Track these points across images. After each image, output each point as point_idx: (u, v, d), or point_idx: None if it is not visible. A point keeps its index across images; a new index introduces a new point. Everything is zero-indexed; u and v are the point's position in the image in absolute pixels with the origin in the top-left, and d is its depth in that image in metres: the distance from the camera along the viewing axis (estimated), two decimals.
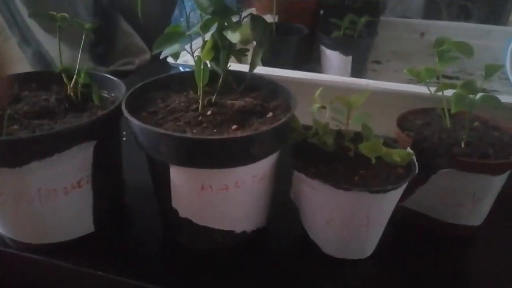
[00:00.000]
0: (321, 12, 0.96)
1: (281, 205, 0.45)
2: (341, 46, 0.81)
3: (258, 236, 0.44)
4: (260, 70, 0.62)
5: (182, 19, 0.99)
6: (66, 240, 0.42)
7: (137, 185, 0.51)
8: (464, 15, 1.08)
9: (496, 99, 0.38)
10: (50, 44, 0.94)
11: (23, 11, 0.92)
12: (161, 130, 0.35)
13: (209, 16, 0.36)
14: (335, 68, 0.84)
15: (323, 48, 0.85)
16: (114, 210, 0.47)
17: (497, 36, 0.95)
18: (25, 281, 0.46)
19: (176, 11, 0.99)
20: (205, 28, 0.36)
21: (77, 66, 0.45)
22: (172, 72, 0.86)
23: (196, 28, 0.38)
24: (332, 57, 0.83)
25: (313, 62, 0.94)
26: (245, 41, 0.35)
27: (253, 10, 0.99)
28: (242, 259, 0.42)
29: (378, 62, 1.01)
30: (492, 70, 0.38)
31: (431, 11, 1.09)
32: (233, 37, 0.35)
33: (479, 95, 0.38)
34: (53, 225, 0.41)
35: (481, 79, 0.40)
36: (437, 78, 0.96)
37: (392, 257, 0.43)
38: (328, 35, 0.83)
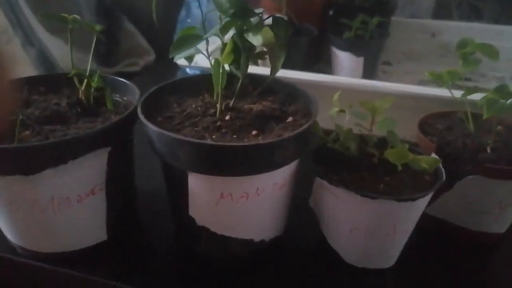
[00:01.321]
0: (330, 12, 0.94)
1: (299, 213, 0.44)
2: (353, 47, 0.80)
3: (276, 245, 0.43)
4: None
5: (189, 20, 0.97)
6: (79, 249, 0.41)
7: (148, 192, 0.50)
8: (474, 15, 1.06)
9: None
10: (54, 45, 0.93)
11: (27, 12, 0.91)
12: (180, 136, 0.33)
13: (229, 18, 0.34)
14: (346, 69, 0.82)
15: (333, 49, 0.83)
16: (127, 218, 0.46)
17: (510, 37, 0.94)
18: None
19: (183, 12, 0.98)
20: (224, 30, 0.35)
21: (88, 69, 0.44)
22: (179, 73, 0.85)
23: (214, 31, 0.36)
24: (343, 58, 0.81)
25: (322, 63, 0.93)
26: (268, 44, 0.33)
27: (260, 10, 0.98)
28: (260, 268, 0.41)
29: (388, 64, 1.00)
30: None
31: (442, 11, 1.07)
32: (255, 39, 0.33)
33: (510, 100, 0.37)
34: (65, 234, 0.39)
35: (495, 80, 0.39)
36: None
37: (415, 266, 0.42)
38: (338, 35, 0.81)
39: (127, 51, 1.03)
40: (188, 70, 0.78)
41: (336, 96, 0.42)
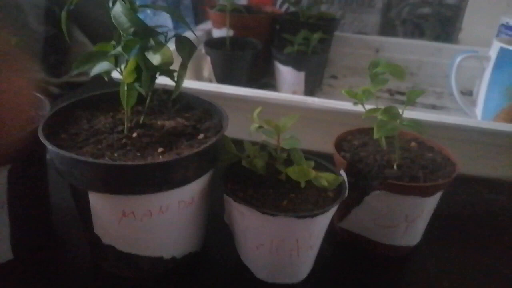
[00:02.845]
0: (277, 27, 0.96)
1: (217, 228, 0.44)
2: (294, 62, 0.82)
3: (190, 261, 0.43)
4: (198, 86, 0.61)
5: None
6: None
7: (65, 207, 0.49)
8: (418, 32, 1.11)
9: (419, 123, 0.38)
10: None
11: None
12: (74, 156, 0.33)
13: (130, 37, 0.34)
14: (288, 84, 0.84)
15: (276, 63, 0.85)
16: (38, 235, 0.45)
17: (448, 54, 0.98)
18: None
19: None
20: (127, 49, 0.35)
21: None
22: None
23: (119, 48, 0.36)
24: (285, 72, 0.83)
25: (268, 77, 0.94)
26: (166, 63, 0.33)
27: (209, 24, 0.99)
28: (173, 285, 0.41)
29: (334, 77, 1.02)
30: (414, 95, 0.38)
31: (387, 29, 1.11)
32: (154, 58, 0.34)
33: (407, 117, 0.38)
34: None
35: (434, 95, 0.41)
36: (391, 94, 0.97)
37: (328, 278, 0.43)
38: (281, 50, 0.83)
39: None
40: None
41: (255, 112, 0.43)
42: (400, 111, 0.40)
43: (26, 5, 0.95)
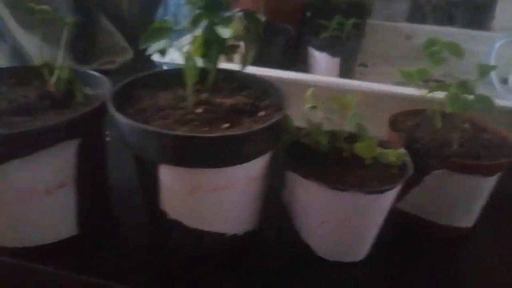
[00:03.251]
0: (308, 13, 0.95)
1: (272, 208, 0.44)
2: (329, 47, 0.81)
3: (249, 239, 0.43)
4: (251, 69, 0.61)
5: (167, 18, 0.97)
6: (48, 243, 0.40)
7: (123, 187, 0.49)
8: (448, 19, 1.09)
9: (489, 100, 0.37)
10: (28, 42, 0.91)
11: (1, 7, 0.89)
12: (150, 127, 0.33)
13: (199, 11, 0.34)
14: (322, 70, 0.84)
15: (310, 49, 0.84)
16: (99, 212, 0.45)
17: (481, 41, 0.97)
18: (3, 286, 0.43)
19: (161, 10, 0.98)
20: (194, 23, 0.35)
21: (59, 61, 0.43)
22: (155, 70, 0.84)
23: (185, 23, 0.36)
24: (320, 58, 0.83)
25: (299, 63, 0.93)
26: (237, 37, 0.33)
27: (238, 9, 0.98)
28: (232, 262, 0.41)
29: (364, 65, 1.02)
30: (484, 70, 0.38)
31: (416, 15, 1.10)
32: (225, 32, 0.34)
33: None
34: (33, 227, 0.38)
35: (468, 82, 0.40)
36: (425, 81, 0.97)
37: (386, 259, 0.43)
38: (315, 36, 0.82)
39: (104, 49, 1.02)
40: (165, 67, 0.78)
41: (308, 93, 0.42)
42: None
43: None
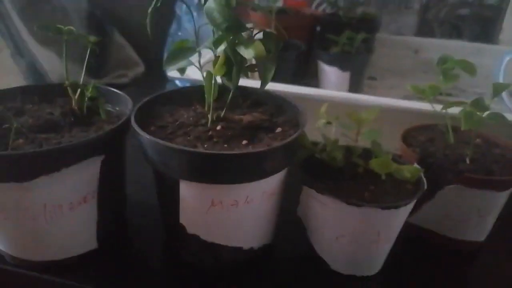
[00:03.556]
0: (318, 28, 0.97)
1: (287, 222, 0.45)
2: (339, 62, 0.82)
3: (265, 253, 0.44)
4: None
5: (179, 33, 0.99)
6: (69, 257, 0.41)
7: (139, 201, 0.51)
8: (455, 33, 1.11)
9: (502, 117, 0.38)
10: (45, 57, 0.93)
11: (18, 23, 0.92)
12: (173, 145, 0.34)
13: (222, 32, 0.36)
14: (333, 84, 0.85)
15: (321, 63, 0.86)
16: (117, 226, 0.46)
17: (489, 55, 0.98)
18: None
19: (174, 26, 1.00)
20: (218, 43, 0.36)
21: (81, 79, 0.45)
22: (168, 85, 0.86)
23: (207, 44, 0.38)
24: (330, 72, 0.84)
25: (309, 78, 0.95)
26: (259, 57, 0.35)
27: (250, 25, 1.00)
28: (248, 275, 0.42)
29: (373, 78, 1.03)
30: (499, 88, 0.39)
31: (424, 29, 1.11)
32: (247, 53, 0.35)
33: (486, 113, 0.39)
34: (56, 242, 0.40)
35: (475, 96, 0.41)
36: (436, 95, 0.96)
37: (399, 273, 0.43)
38: (325, 50, 0.84)
39: (116, 63, 1.04)
40: (178, 82, 0.79)
41: (323, 108, 0.44)
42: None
43: (70, 9, 0.99)
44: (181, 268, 0.42)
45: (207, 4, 0.36)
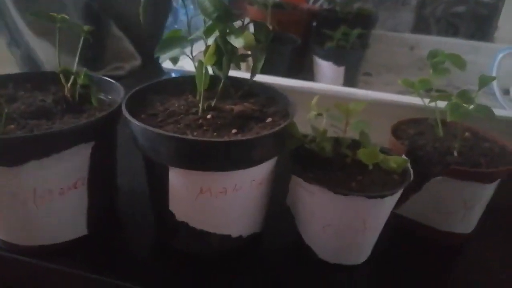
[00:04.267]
0: (314, 23, 0.97)
1: (276, 212, 0.45)
2: (334, 57, 0.83)
3: (254, 241, 0.44)
4: (258, 77, 0.62)
5: (176, 26, 0.99)
6: (59, 243, 0.41)
7: (130, 189, 0.51)
8: (452, 31, 1.11)
9: (489, 109, 0.39)
10: (40, 47, 0.93)
11: (14, 13, 0.92)
12: (163, 132, 0.35)
13: (213, 21, 0.36)
14: (327, 78, 0.85)
15: (316, 58, 0.86)
16: (108, 213, 0.47)
17: (484, 52, 0.98)
18: (15, 284, 0.45)
19: (170, 19, 1.00)
20: (208, 33, 0.36)
21: (75, 67, 0.45)
22: (165, 77, 0.86)
23: (199, 33, 0.38)
24: (325, 67, 0.84)
25: (305, 72, 0.95)
26: (248, 46, 0.35)
27: (246, 19, 1.01)
28: (237, 263, 0.42)
29: (369, 74, 1.03)
30: (485, 81, 0.39)
31: (421, 26, 1.12)
32: (237, 42, 0.35)
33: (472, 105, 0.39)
34: (46, 227, 0.40)
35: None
36: (428, 91, 0.98)
37: (386, 263, 0.44)
38: (321, 45, 0.84)
39: (113, 55, 1.04)
40: (173, 74, 0.80)
41: (314, 100, 0.44)
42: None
43: (67, 0, 0.98)
44: (171, 255, 0.43)
45: None
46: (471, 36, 1.09)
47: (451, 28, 1.11)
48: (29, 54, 0.96)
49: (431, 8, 1.10)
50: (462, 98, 0.38)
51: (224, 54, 0.37)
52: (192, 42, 0.42)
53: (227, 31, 0.36)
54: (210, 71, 0.41)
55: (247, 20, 0.38)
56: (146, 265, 0.42)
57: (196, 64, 0.40)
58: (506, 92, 0.90)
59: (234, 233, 0.41)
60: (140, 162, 0.41)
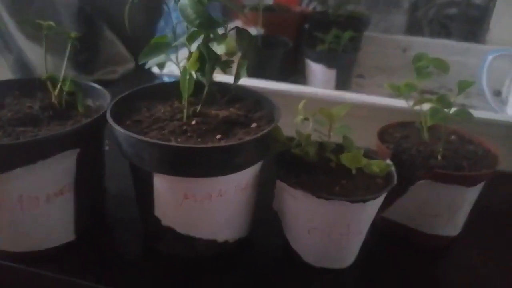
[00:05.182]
0: (306, 26, 0.98)
1: (263, 216, 0.46)
2: (325, 60, 0.83)
3: (240, 246, 0.45)
4: (245, 81, 0.63)
5: (167, 30, 0.99)
6: (46, 248, 0.42)
7: (118, 194, 0.52)
8: (444, 32, 1.12)
9: (468, 113, 0.39)
10: (33, 52, 0.94)
11: (6, 18, 0.92)
12: (146, 138, 0.35)
13: (195, 28, 0.36)
14: (319, 81, 0.86)
15: (308, 61, 0.86)
16: (95, 219, 0.47)
17: (475, 54, 0.99)
18: None
19: (162, 23, 1.00)
20: (191, 39, 0.37)
21: (62, 74, 0.45)
22: (156, 82, 0.87)
23: (182, 39, 0.38)
24: (316, 70, 0.85)
25: (297, 75, 0.96)
26: (230, 53, 0.35)
27: (239, 23, 1.01)
28: (223, 268, 0.42)
29: (361, 76, 1.04)
30: (464, 85, 0.40)
31: (413, 28, 1.12)
32: (219, 49, 0.36)
33: (453, 109, 0.40)
34: (33, 233, 0.40)
35: (462, 95, 0.42)
36: (422, 93, 0.98)
37: (371, 266, 0.44)
38: (313, 48, 0.84)
39: (106, 59, 1.04)
40: (166, 78, 0.80)
41: (301, 105, 0.44)
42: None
43: (60, 4, 0.99)
44: (158, 260, 0.43)
45: (181, 1, 0.36)
46: (463, 38, 1.09)
47: (443, 30, 1.12)
48: (22, 59, 0.96)
49: (424, 10, 1.10)
50: (441, 102, 0.38)
51: (206, 60, 0.37)
52: (177, 48, 0.42)
53: (210, 37, 0.37)
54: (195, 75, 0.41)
55: (230, 26, 0.39)
56: (134, 269, 0.42)
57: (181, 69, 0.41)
58: (497, 93, 0.90)
59: (220, 238, 0.42)
60: (128, 166, 0.42)
